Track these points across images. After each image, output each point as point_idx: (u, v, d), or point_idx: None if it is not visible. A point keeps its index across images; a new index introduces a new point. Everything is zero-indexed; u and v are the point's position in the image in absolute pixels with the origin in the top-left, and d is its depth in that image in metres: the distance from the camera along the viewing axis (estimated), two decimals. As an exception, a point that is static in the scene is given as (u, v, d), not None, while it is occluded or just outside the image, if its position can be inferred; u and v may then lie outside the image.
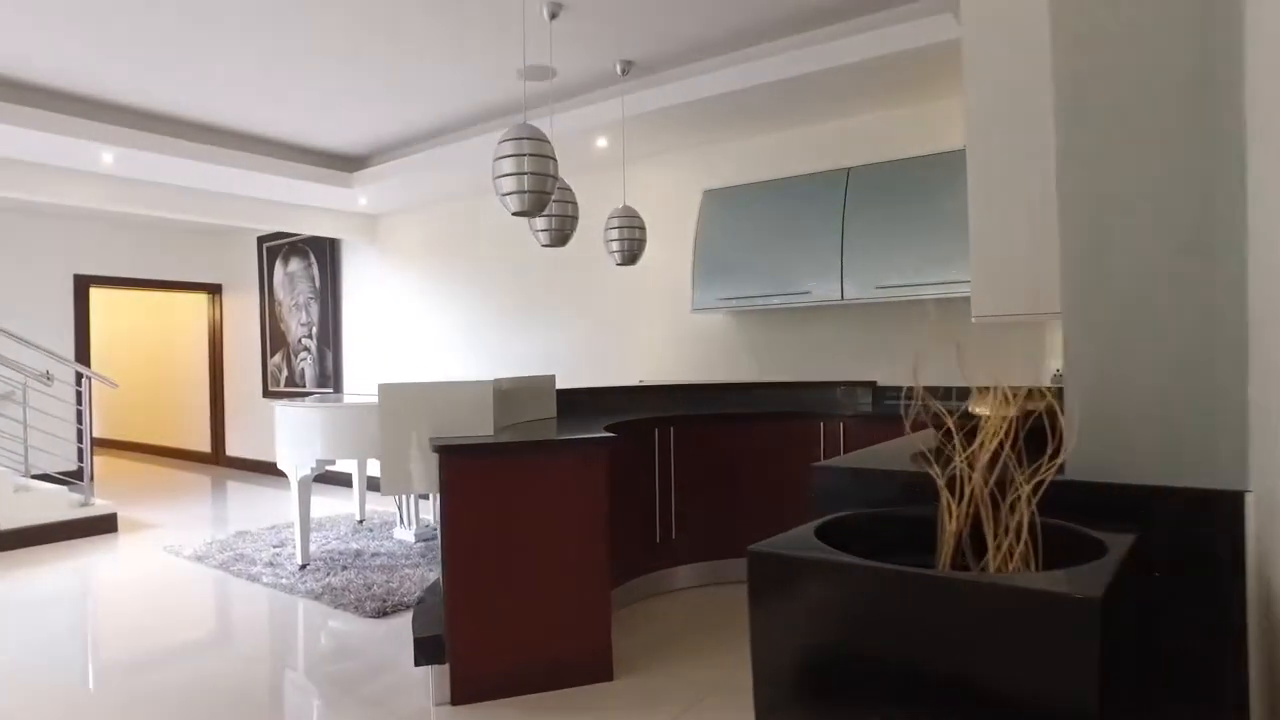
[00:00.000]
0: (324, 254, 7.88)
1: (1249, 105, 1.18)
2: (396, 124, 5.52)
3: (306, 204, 6.94)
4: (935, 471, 1.21)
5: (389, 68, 4.53)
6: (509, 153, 3.01)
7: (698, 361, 5.48)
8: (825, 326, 4.93)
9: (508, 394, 3.43)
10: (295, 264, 8.16)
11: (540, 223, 3.85)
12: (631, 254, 4.60)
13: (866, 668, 0.92)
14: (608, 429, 3.44)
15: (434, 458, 3.12)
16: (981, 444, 1.13)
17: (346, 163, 6.35)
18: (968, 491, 1.17)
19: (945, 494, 1.20)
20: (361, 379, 7.69)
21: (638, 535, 3.95)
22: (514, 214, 3.10)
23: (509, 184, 3.01)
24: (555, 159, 3.08)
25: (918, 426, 3.71)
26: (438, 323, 7.08)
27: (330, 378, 7.83)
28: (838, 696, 0.91)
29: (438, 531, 5.45)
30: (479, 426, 3.14)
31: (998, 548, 1.15)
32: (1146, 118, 1.27)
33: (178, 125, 5.39)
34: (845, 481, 1.48)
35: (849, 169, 4.55)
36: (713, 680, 3.00)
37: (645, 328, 5.76)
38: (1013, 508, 1.15)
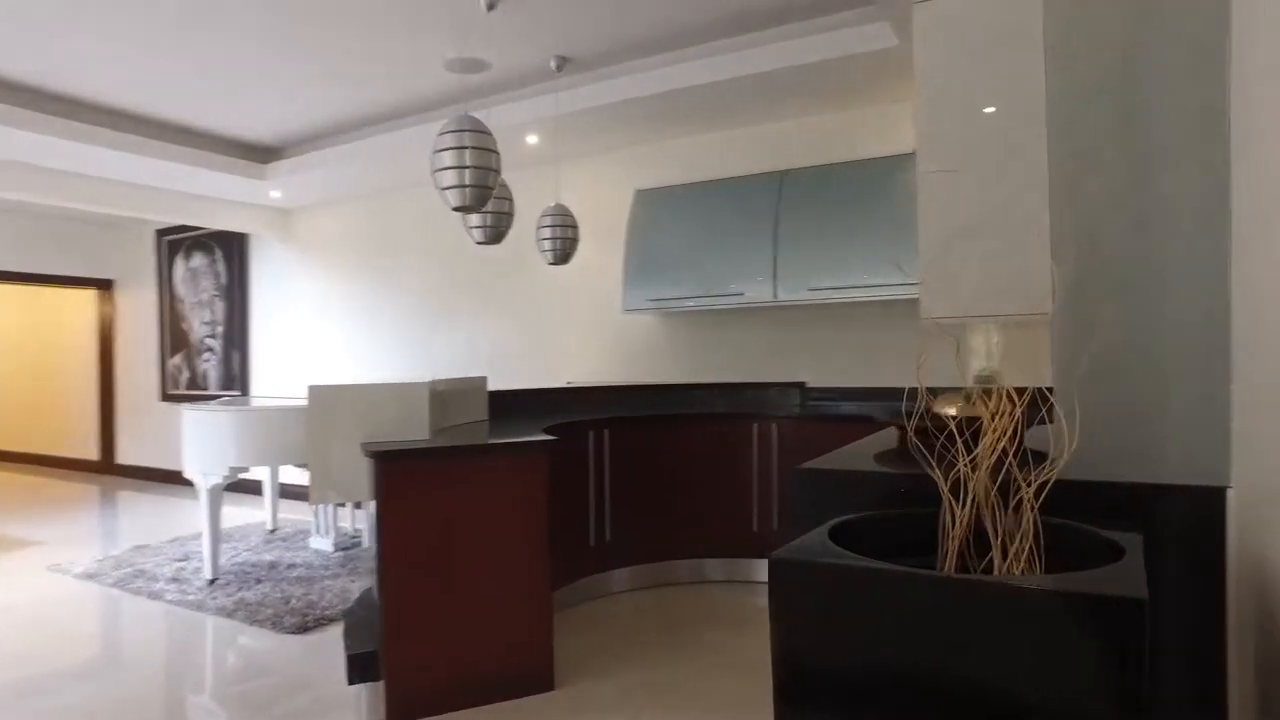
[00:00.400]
0: (231, 249, 7.45)
1: (1234, 123, 1.21)
2: (315, 113, 5.26)
3: (212, 195, 6.54)
4: (937, 475, 1.19)
5: (308, 53, 4.30)
6: (450, 145, 2.89)
7: (628, 363, 5.43)
8: (756, 328, 4.96)
9: (442, 396, 3.29)
10: (198, 259, 7.69)
11: (475, 219, 3.73)
12: (564, 253, 4.52)
13: (899, 676, 0.88)
14: (545, 431, 3.35)
15: (366, 463, 2.96)
16: (989, 447, 1.12)
17: (259, 153, 6.02)
18: (971, 494, 1.15)
19: (948, 496, 1.18)
20: (271, 381, 7.30)
21: (574, 538, 3.86)
22: (454, 209, 2.98)
23: (449, 177, 2.89)
24: (498, 152, 2.98)
25: (878, 427, 3.76)
26: (355, 323, 6.80)
27: (237, 380, 7.41)
28: (868, 705, 0.88)
29: (359, 540, 5.25)
30: (414, 430, 3.00)
31: (1002, 549, 1.13)
32: (1135, 133, 1.29)
33: (67, 104, 4.97)
34: (827, 484, 1.45)
35: (782, 172, 4.59)
36: (655, 685, 2.95)
37: (575, 328, 5.67)
38: (1017, 509, 1.13)
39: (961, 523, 1.15)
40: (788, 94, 4.43)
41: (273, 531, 5.62)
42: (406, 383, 2.99)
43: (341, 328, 6.88)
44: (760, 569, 4.22)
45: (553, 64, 4.50)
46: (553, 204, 4.52)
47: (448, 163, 2.89)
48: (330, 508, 5.09)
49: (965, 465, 1.16)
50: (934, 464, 1.20)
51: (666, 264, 4.87)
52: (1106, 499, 1.23)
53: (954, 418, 1.85)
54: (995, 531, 1.14)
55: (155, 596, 4.17)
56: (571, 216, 4.49)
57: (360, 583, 4.29)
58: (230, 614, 3.85)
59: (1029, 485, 1.12)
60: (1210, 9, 1.22)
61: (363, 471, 2.98)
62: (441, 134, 2.93)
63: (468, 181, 2.89)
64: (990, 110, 2.45)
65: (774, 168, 4.76)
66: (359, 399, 2.93)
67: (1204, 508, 1.19)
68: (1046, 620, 0.82)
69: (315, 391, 2.92)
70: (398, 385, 2.98)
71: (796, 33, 3.99)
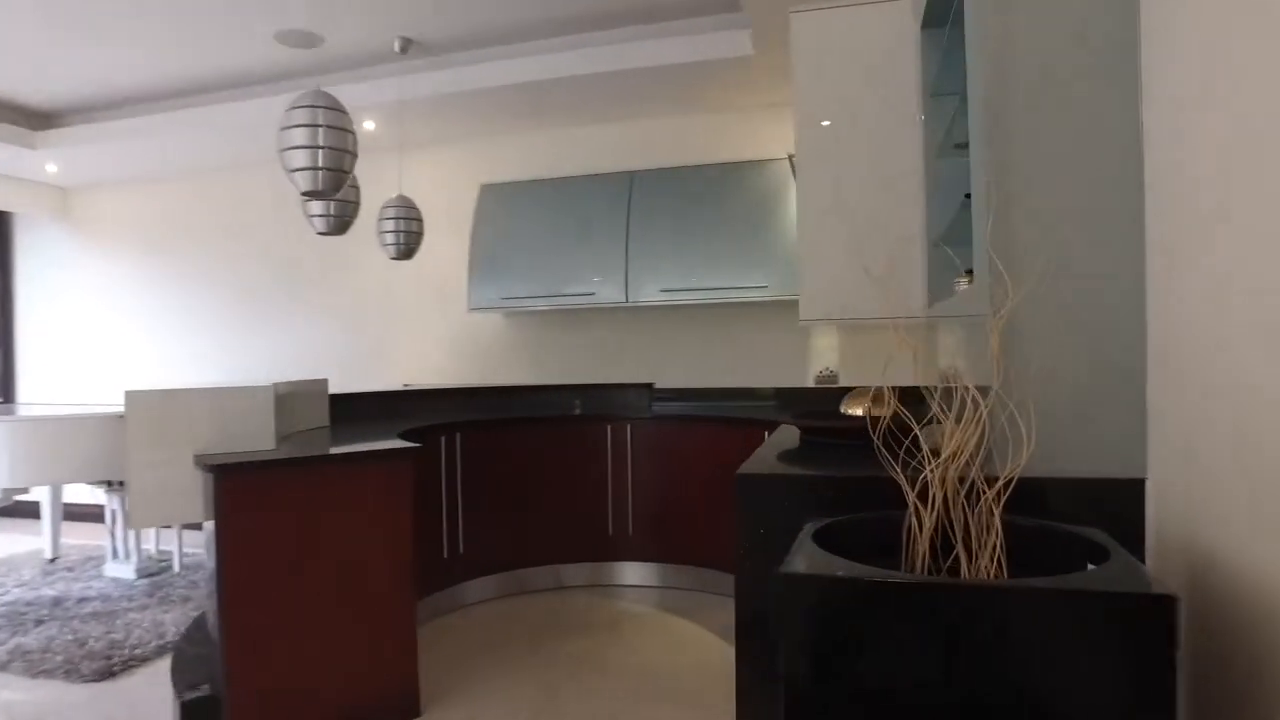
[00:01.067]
0: (-13, 231, 6.35)
1: (1145, 120, 1.31)
2: (110, 77, 4.59)
3: (-36, 167, 5.55)
4: (901, 477, 1.19)
5: (104, 4, 3.73)
6: (302, 122, 2.60)
7: (471, 363, 5.22)
8: (604, 329, 4.92)
9: (283, 401, 2.96)
10: (-57, 242, 6.49)
11: (318, 207, 3.40)
12: (408, 248, 4.26)
13: (936, 690, 0.86)
14: (400, 437, 3.12)
15: (200, 478, 2.60)
16: (957, 450, 1.13)
17: (30, 118, 5.17)
18: (938, 496, 1.16)
19: (913, 499, 1.18)
20: (44, 386, 6.32)
21: (427, 550, 3.63)
22: (304, 193, 2.69)
23: (300, 158, 2.60)
24: (355, 134, 2.72)
25: (739, 427, 3.80)
26: (158, 321, 6.02)
27: (-2, 384, 6.34)
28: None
29: (167, 563, 4.61)
30: (257, 439, 2.67)
31: (968, 549, 1.15)
32: (1065, 137, 1.36)
33: None
34: (777, 489, 1.42)
35: (633, 172, 4.59)
36: (527, 701, 2.82)
37: (412, 327, 5.36)
38: (976, 509, 1.15)
39: (929, 525, 1.15)
40: (644, 94, 4.43)
41: (54, 560, 4.84)
42: (248, 386, 2.65)
43: (140, 326, 6.07)
44: (617, 572, 4.19)
45: (396, 45, 4.22)
46: (395, 195, 4.24)
47: (298, 142, 2.60)
48: (124, 527, 4.46)
49: (932, 469, 1.16)
50: (896, 469, 1.20)
51: (514, 262, 4.72)
52: (1063, 495, 1.29)
53: (863, 417, 1.90)
54: (966, 532, 1.15)
55: (-100, 648, 3.44)
56: (416, 209, 4.23)
57: (175, 613, 3.79)
58: (3, 666, 3.24)
59: (996, 485, 1.14)
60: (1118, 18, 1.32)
61: (196, 488, 2.61)
62: (292, 109, 2.64)
63: (321, 164, 2.62)
64: (866, 116, 2.56)
65: (623, 167, 4.75)
66: (192, 405, 2.56)
67: (1125, 497, 1.28)
68: (1075, 622, 0.83)
69: (136, 398, 2.51)
70: (238, 389, 2.64)
71: (656, 34, 4.00)
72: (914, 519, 1.18)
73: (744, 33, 3.80)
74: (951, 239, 2.09)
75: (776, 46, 3.73)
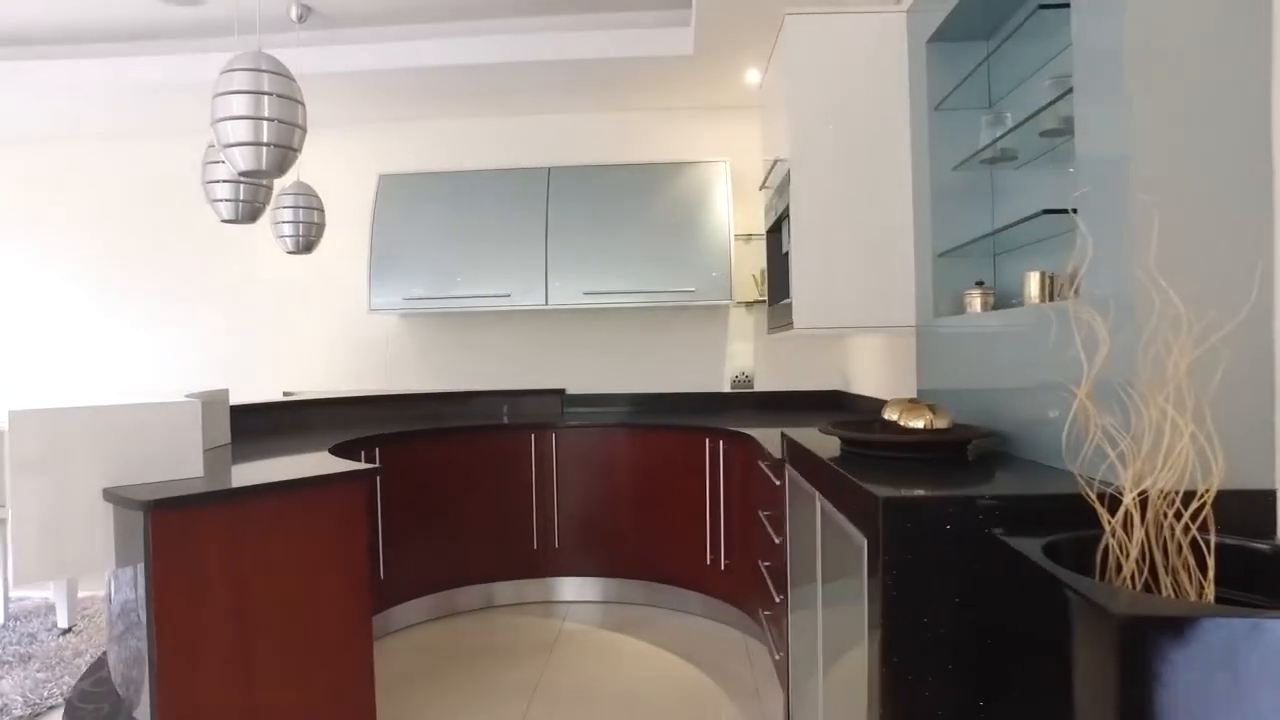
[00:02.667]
0: None
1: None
2: (-93, 22, 3.75)
3: None
4: (1092, 497, 1.15)
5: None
6: (243, 87, 2.21)
7: (364, 369, 4.77)
8: (513, 332, 4.67)
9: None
10: None
11: (225, 191, 2.94)
12: (308, 241, 3.81)
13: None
14: (331, 452, 2.76)
15: (108, 520, 2.15)
16: (1168, 467, 1.10)
17: None
18: (1144, 517, 1.13)
19: (1113, 521, 1.14)
20: None
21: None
22: (242, 173, 2.29)
23: (240, 130, 2.21)
24: (305, 105, 2.35)
25: (673, 434, 3.69)
26: (-55, 316, 5.03)
27: None
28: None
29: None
30: (181, 465, 2.24)
31: (1169, 570, 1.12)
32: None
33: None
34: (940, 513, 1.33)
35: (549, 168, 4.38)
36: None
37: (298, 328, 4.82)
38: (1185, 530, 1.13)
39: (1134, 546, 1.12)
40: (567, 87, 4.23)
41: None
42: (171, 401, 2.21)
43: (-78, 322, 5.04)
44: (544, 589, 3.98)
45: (294, 13, 3.76)
46: (294, 181, 3.77)
47: (239, 110, 2.20)
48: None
49: (1133, 496, 1.12)
50: (1093, 497, 1.15)
51: (418, 259, 4.35)
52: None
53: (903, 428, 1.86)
54: (1164, 553, 1.13)
55: None
56: (317, 198, 3.79)
57: (13, 676, 3.14)
58: None
59: (1193, 503, 1.13)
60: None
61: (95, 530, 2.14)
62: (230, 72, 2.23)
63: (266, 138, 2.24)
64: (860, 125, 2.55)
65: (539, 163, 4.52)
66: (99, 427, 2.09)
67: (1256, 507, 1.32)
68: None
69: (22, 420, 2.01)
70: (159, 405, 2.19)
71: (587, 25, 3.83)
72: (1113, 539, 1.14)
73: (684, 30, 3.72)
74: (974, 250, 2.12)
75: (719, 48, 3.69)
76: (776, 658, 2.66)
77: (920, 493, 1.36)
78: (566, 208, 4.28)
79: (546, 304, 4.24)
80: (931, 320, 2.34)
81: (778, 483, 2.61)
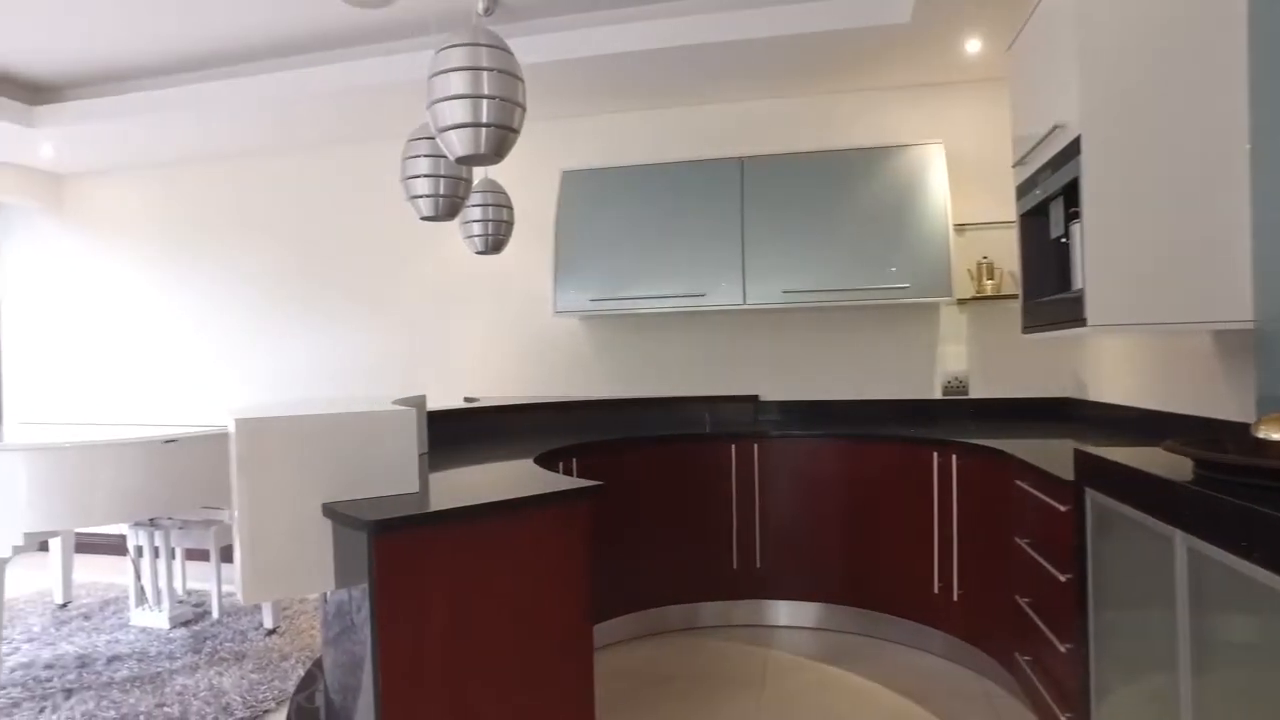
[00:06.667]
0: (-32, 224, 5.59)
1: None
2: (124, 41, 3.91)
3: (-54, 149, 4.81)
4: None
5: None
6: (461, 64, 2.02)
7: (540, 372, 4.63)
8: (706, 333, 4.38)
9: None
10: (-85, 236, 5.71)
11: (425, 187, 2.81)
12: (497, 240, 3.67)
13: None
14: (535, 462, 2.56)
15: (327, 536, 2.01)
16: None
17: (22, 89, 4.46)
18: None
19: None
20: (29, 404, 5.57)
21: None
22: (458, 159, 2.11)
23: (458, 111, 2.02)
24: (524, 82, 2.15)
25: (931, 446, 3.27)
26: (166, 329, 5.32)
27: (-17, 399, 5.57)
28: None
29: (204, 607, 3.92)
30: (398, 479, 2.09)
31: None
32: None
33: None
34: None
35: (743, 159, 4.06)
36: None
37: (478, 332, 4.75)
38: None
39: None
40: (761, 70, 3.89)
41: (65, 606, 4.15)
42: (386, 409, 2.06)
43: (144, 333, 5.36)
44: (748, 611, 3.66)
45: (480, 5, 3.64)
46: (482, 179, 3.65)
47: (457, 89, 2.02)
48: (159, 562, 3.79)
49: None
50: None
51: (604, 259, 4.14)
52: None
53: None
54: None
55: (-103, 733, 2.77)
56: (505, 195, 3.66)
57: (232, 675, 3.16)
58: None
59: None
60: None
61: (317, 547, 2.01)
62: (445, 49, 2.06)
63: (485, 118, 2.04)
64: (1174, 85, 2.06)
65: (729, 153, 4.22)
66: (317, 436, 1.97)
67: None
68: None
69: (248, 427, 1.91)
70: (373, 413, 2.04)
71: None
72: None
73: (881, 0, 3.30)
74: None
75: (939, 14, 3.25)
76: (1064, 719, 2.21)
77: None
78: (762, 200, 3.95)
79: (744, 303, 3.92)
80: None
81: (1062, 508, 2.16)
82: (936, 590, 3.26)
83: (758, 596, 3.65)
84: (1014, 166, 2.80)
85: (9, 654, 3.48)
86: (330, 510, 1.95)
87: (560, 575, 2.11)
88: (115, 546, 5.13)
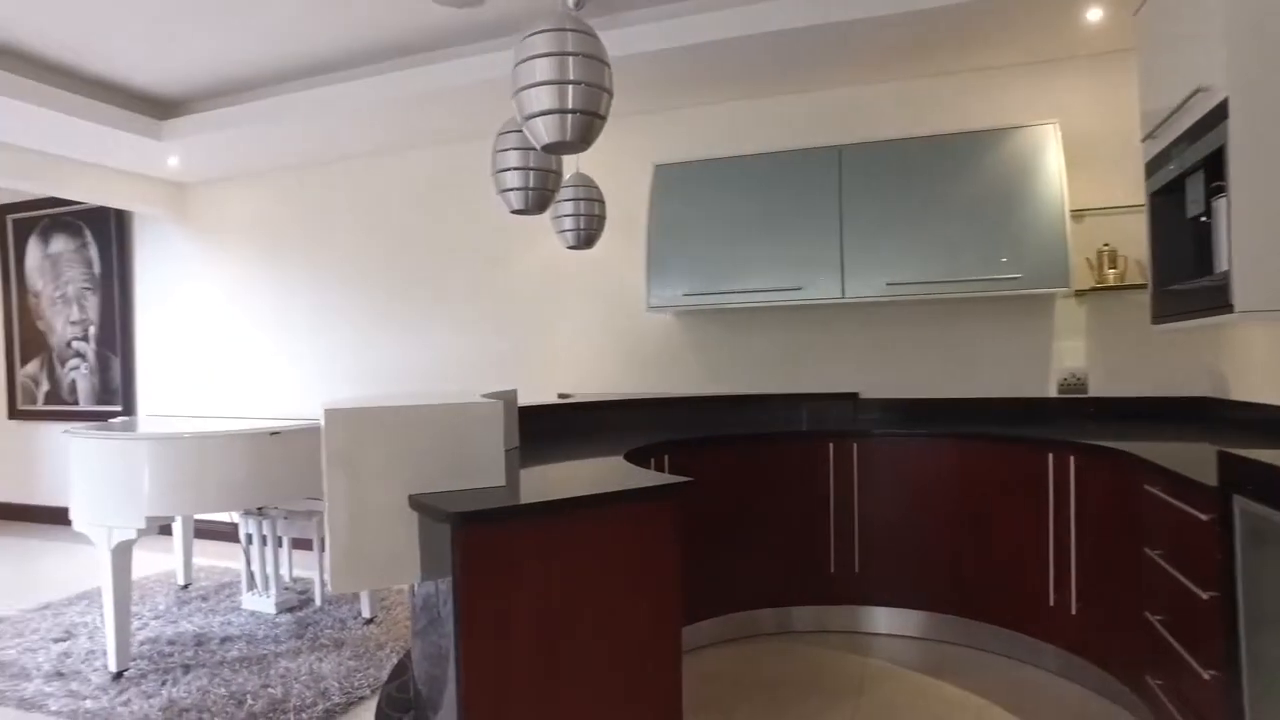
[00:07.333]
0: (106, 231, 6.02)
1: None
2: (238, 56, 4.10)
3: (84, 160, 5.18)
4: None
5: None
6: (546, 50, 1.99)
7: (635, 370, 4.59)
8: (798, 329, 4.24)
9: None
10: (61, 243, 6.19)
11: (515, 180, 2.81)
12: (589, 234, 3.64)
13: None
14: (625, 458, 2.51)
15: (413, 528, 2.02)
16: None
17: (152, 105, 4.75)
18: None
19: None
20: (161, 396, 5.94)
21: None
22: (545, 147, 2.08)
23: (544, 98, 1.99)
24: (610, 67, 2.10)
25: (1045, 447, 3.05)
26: (275, 326, 5.58)
27: (118, 393, 5.98)
28: None
29: (308, 594, 4.08)
30: (484, 471, 2.08)
31: None
32: None
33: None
34: None
35: (840, 147, 3.90)
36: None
37: (573, 328, 4.76)
38: None
39: None
40: (863, 52, 3.71)
41: (186, 587, 4.40)
42: (472, 401, 2.05)
43: (257, 330, 5.64)
44: (844, 617, 3.51)
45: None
46: (573, 173, 3.64)
47: (544, 75, 1.99)
48: (267, 549, 3.96)
49: None
50: None
51: (696, 253, 4.06)
52: None
53: None
54: None
55: (30, 706, 2.96)
56: (597, 189, 3.62)
57: (331, 662, 3.25)
58: (159, 727, 2.75)
59: None
60: None
61: (404, 538, 2.02)
62: (531, 35, 2.03)
63: (571, 104, 2.00)
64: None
65: (824, 141, 4.07)
66: (405, 428, 1.98)
67: None
68: None
69: (336, 417, 1.94)
70: (459, 405, 2.04)
71: (895, -28, 3.30)
72: None
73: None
74: None
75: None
76: (1200, 753, 1.99)
77: None
78: (862, 189, 3.79)
79: (843, 297, 3.77)
80: None
81: (1204, 517, 1.95)
82: (1051, 603, 3.03)
83: (855, 602, 3.49)
84: (1143, 141, 2.56)
85: (139, 629, 3.70)
86: (415, 502, 1.95)
87: (649, 573, 2.05)
88: (230, 534, 5.41)
